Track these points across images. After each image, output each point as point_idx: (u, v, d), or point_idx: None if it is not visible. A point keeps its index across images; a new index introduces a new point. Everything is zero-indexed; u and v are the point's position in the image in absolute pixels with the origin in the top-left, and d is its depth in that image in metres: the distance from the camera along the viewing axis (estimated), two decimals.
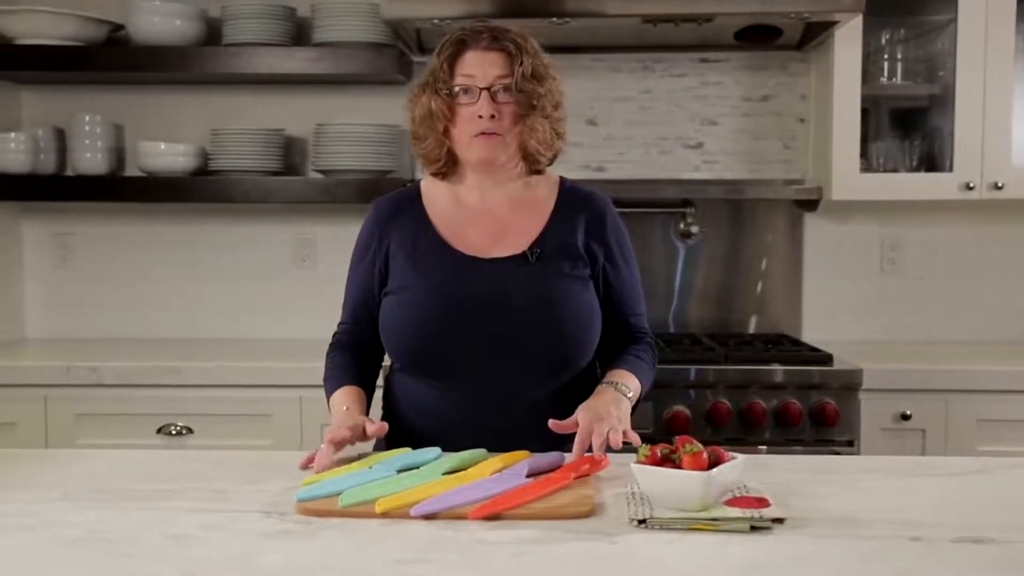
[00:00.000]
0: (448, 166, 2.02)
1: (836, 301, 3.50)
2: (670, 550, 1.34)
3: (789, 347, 3.12)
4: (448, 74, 1.93)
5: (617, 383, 1.90)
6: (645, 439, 1.69)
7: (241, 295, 3.58)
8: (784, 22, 3.07)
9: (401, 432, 1.97)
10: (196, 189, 3.33)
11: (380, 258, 2.01)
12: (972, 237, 3.48)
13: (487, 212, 2.01)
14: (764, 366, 2.91)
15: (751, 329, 3.50)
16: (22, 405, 2.96)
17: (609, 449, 1.74)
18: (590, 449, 1.74)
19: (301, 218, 3.55)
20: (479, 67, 1.92)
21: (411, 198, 2.05)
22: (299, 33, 3.38)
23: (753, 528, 1.41)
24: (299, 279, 3.56)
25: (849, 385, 2.87)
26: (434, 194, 2.05)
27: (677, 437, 1.54)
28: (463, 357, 1.89)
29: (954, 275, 3.49)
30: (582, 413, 1.80)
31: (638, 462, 1.52)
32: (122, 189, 3.38)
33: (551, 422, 1.80)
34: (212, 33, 3.39)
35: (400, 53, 3.27)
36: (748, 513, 1.44)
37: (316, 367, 2.93)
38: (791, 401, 2.85)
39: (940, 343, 3.44)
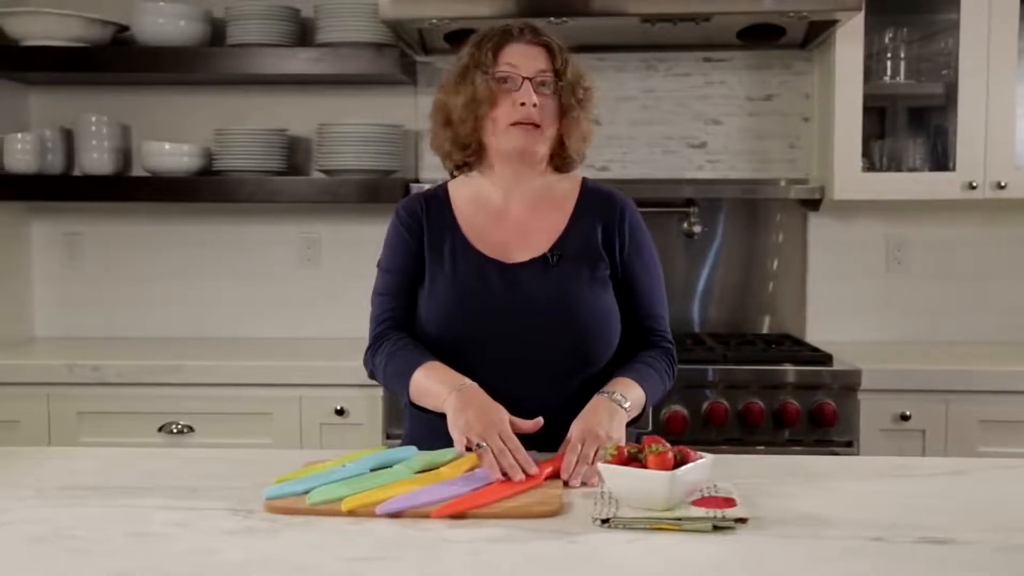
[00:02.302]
0: (474, 156, 2.01)
1: (841, 301, 3.48)
2: (630, 550, 1.34)
3: (789, 347, 3.11)
4: (492, 61, 1.93)
5: (614, 393, 1.87)
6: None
7: (246, 294, 3.60)
8: (783, 21, 3.05)
9: (423, 428, 1.95)
10: (201, 189, 3.35)
11: (416, 251, 2.00)
12: (977, 236, 3.45)
13: (509, 213, 2.01)
14: (762, 366, 2.90)
15: (755, 329, 3.49)
16: (25, 403, 2.99)
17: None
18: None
19: (305, 218, 3.57)
20: (523, 58, 1.93)
21: (440, 198, 2.06)
22: (303, 33, 3.40)
23: (716, 528, 1.41)
24: (303, 278, 3.58)
25: (848, 385, 2.85)
26: (460, 196, 2.05)
27: (644, 436, 1.55)
28: (481, 357, 1.89)
29: (960, 275, 3.46)
30: (575, 428, 1.79)
31: (605, 461, 1.53)
32: (128, 189, 3.40)
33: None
34: (216, 34, 3.41)
35: (402, 53, 3.28)
36: (712, 513, 1.44)
37: (317, 366, 3.01)
38: (790, 401, 2.83)
39: (946, 343, 3.41)
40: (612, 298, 1.99)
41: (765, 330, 3.48)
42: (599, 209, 2.03)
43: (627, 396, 1.88)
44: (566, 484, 1.66)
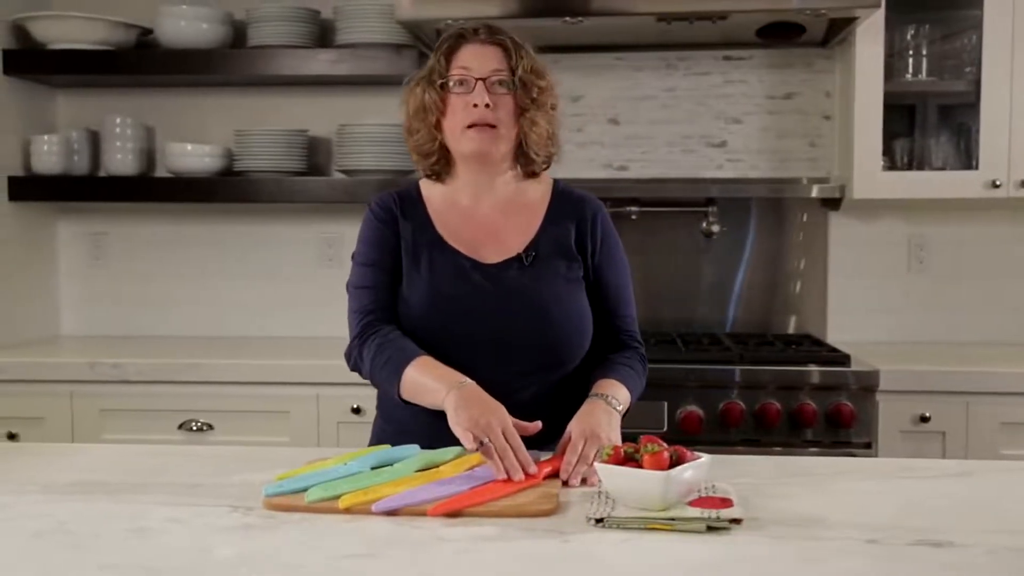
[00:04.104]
0: (441, 164, 2.02)
1: (863, 301, 3.45)
2: (621, 550, 1.34)
3: (808, 347, 3.09)
4: (444, 67, 1.94)
5: (607, 396, 1.88)
6: None
7: (266, 294, 3.64)
8: (801, 19, 3.03)
9: (393, 428, 1.98)
10: (222, 189, 3.39)
11: (394, 246, 2.00)
12: (1000, 236, 3.41)
13: (481, 213, 2.02)
14: (779, 367, 2.88)
15: (776, 329, 3.46)
16: (49, 400, 3.04)
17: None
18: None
19: (325, 218, 3.59)
20: (476, 59, 1.93)
21: (412, 196, 2.07)
22: (323, 35, 3.43)
23: (710, 528, 1.40)
24: (323, 278, 3.59)
25: (866, 386, 2.83)
26: (432, 194, 2.06)
27: (641, 436, 1.54)
28: (456, 356, 1.88)
29: (982, 275, 3.42)
30: (575, 428, 1.79)
31: (602, 461, 1.53)
32: (152, 189, 3.46)
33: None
34: (238, 36, 3.45)
35: (421, 54, 3.29)
36: (706, 513, 1.43)
37: (334, 365, 2.98)
38: (806, 402, 2.81)
39: (968, 344, 3.37)
40: (586, 298, 2.00)
41: (786, 330, 3.46)
42: (571, 211, 2.04)
43: (619, 398, 1.89)
44: (565, 484, 1.66)
